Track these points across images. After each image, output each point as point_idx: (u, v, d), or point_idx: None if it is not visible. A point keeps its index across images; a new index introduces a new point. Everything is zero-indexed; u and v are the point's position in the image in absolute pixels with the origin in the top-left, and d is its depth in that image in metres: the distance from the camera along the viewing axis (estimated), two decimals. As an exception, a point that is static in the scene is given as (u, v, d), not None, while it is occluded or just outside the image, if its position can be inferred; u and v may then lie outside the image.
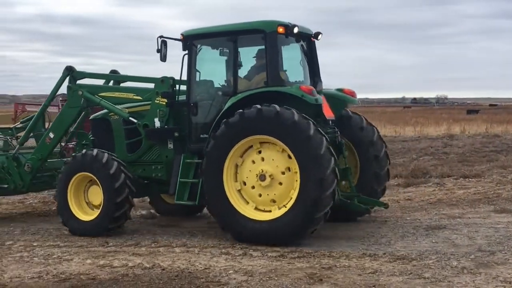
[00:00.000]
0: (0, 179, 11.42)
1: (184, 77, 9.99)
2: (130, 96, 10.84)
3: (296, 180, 8.75)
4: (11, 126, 12.68)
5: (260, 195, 9.01)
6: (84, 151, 10.29)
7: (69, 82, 11.20)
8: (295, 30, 9.53)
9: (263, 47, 9.51)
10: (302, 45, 10.20)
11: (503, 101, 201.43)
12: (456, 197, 12.99)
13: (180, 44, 9.98)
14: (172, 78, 10.26)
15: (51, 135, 11.21)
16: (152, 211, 11.97)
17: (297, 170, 8.72)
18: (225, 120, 9.09)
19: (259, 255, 8.33)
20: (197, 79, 10.02)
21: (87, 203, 10.22)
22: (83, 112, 11.34)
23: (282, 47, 9.77)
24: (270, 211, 8.96)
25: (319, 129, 8.73)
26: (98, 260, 8.27)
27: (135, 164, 10.52)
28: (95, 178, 9.90)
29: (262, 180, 8.92)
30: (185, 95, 10.04)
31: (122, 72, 12.15)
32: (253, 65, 9.94)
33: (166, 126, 10.13)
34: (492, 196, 13.06)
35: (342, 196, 9.60)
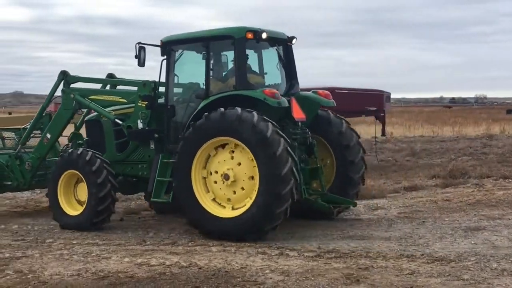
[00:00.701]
0: (4, 177, 12.12)
1: (163, 81, 10.53)
2: (116, 99, 11.54)
3: (254, 190, 9.19)
4: (21, 127, 13.26)
5: (220, 189, 9.48)
6: (71, 150, 11.10)
7: (64, 85, 11.90)
8: (264, 35, 9.94)
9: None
10: (277, 49, 10.74)
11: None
12: (496, 198, 12.76)
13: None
14: (154, 82, 10.77)
15: (48, 135, 11.94)
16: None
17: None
18: (192, 122, 9.64)
19: (295, 255, 8.32)
20: (175, 82, 10.62)
21: (77, 201, 10.85)
22: (83, 114, 12.17)
23: (262, 51, 10.51)
24: (243, 206, 9.35)
25: (279, 130, 9.15)
26: (135, 258, 8.36)
27: (123, 163, 11.24)
28: (80, 175, 10.54)
29: (226, 179, 9.39)
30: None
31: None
32: (230, 69, 10.43)
33: (147, 128, 10.72)
34: (533, 197, 12.81)
35: (310, 194, 10.03)
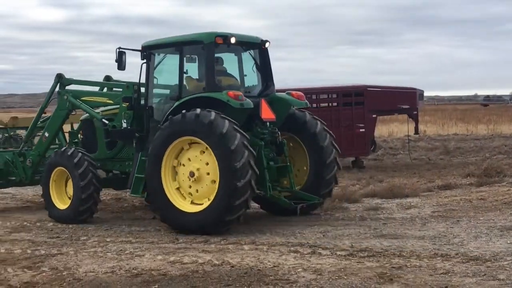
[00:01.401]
0: (9, 173, 13.00)
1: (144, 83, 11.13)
2: (104, 100, 12.26)
3: (214, 194, 9.67)
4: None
5: (183, 181, 10.01)
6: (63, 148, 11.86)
7: (59, 87, 12.63)
8: (233, 40, 10.48)
9: (220, 55, 10.82)
10: (254, 53, 11.28)
11: None
12: (532, 197, 12.54)
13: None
14: (136, 84, 11.27)
15: (46, 134, 12.73)
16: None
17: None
18: (161, 123, 10.28)
19: (328, 254, 8.29)
20: (154, 85, 11.20)
21: (68, 197, 11.49)
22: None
23: (242, 54, 11.15)
24: (202, 204, 9.89)
25: (236, 127, 9.63)
26: (168, 256, 8.41)
27: (113, 160, 12.05)
28: (66, 170, 11.29)
29: (191, 176, 9.90)
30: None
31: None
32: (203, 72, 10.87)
33: (129, 127, 11.27)
34: None
35: (278, 191, 10.64)
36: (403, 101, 20.01)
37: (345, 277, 7.15)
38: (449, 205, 12.06)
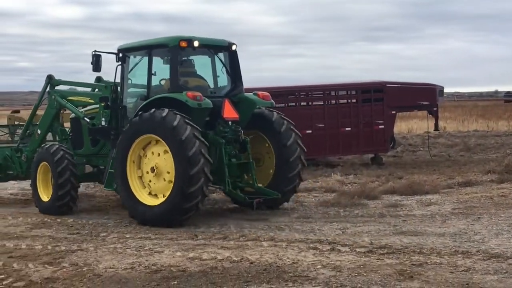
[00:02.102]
0: (8, 167, 13.82)
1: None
2: (87, 100, 12.99)
3: (170, 188, 10.21)
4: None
5: (150, 181, 10.60)
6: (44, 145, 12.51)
7: (49, 88, 13.49)
8: (196, 43, 11.09)
9: (189, 57, 11.46)
10: (223, 55, 11.81)
11: None
12: (554, 194, 12.41)
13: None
14: (114, 84, 11.80)
15: (39, 131, 13.52)
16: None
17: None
18: (126, 122, 11.08)
19: (347, 251, 8.26)
20: (128, 85, 11.77)
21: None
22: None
23: (215, 56, 11.71)
24: (159, 197, 10.49)
25: (187, 120, 10.13)
26: (187, 252, 8.43)
27: (97, 156, 12.66)
28: (49, 166, 11.89)
29: (152, 171, 10.49)
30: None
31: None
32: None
33: (106, 125, 11.87)
34: None
35: (236, 187, 11.04)
36: (422, 97, 19.88)
37: (365, 274, 7.11)
38: (470, 202, 11.96)
